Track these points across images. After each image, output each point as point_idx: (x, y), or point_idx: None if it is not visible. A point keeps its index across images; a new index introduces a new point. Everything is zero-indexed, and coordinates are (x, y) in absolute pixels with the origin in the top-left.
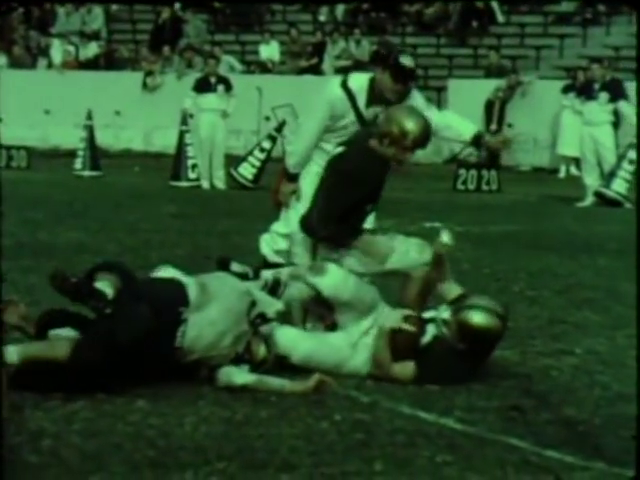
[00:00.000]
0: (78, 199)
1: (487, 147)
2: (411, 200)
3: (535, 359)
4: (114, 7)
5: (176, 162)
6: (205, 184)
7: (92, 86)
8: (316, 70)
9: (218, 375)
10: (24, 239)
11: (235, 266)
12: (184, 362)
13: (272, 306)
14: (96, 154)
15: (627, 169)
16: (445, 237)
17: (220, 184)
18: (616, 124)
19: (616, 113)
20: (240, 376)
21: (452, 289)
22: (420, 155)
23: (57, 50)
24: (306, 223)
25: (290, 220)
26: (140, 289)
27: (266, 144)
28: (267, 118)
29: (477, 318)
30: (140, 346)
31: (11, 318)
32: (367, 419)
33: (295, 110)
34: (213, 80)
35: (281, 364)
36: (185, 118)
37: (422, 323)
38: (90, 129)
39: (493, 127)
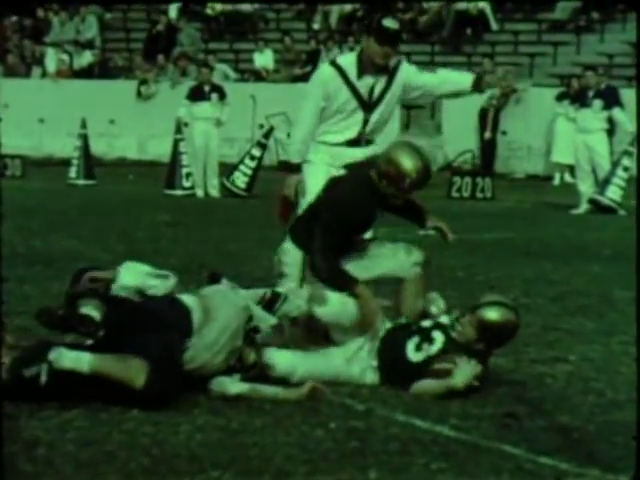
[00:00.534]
0: (72, 208)
1: (489, 86)
2: None
3: (529, 366)
4: (108, 16)
5: (170, 171)
6: (199, 192)
7: (86, 95)
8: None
9: (211, 386)
10: (18, 248)
11: (225, 282)
12: None
13: (267, 321)
14: (90, 163)
15: (621, 176)
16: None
17: (214, 192)
18: (610, 131)
19: (610, 120)
20: (233, 386)
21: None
22: None
23: (51, 59)
24: (295, 233)
25: None
26: (144, 316)
27: (256, 152)
28: (261, 126)
29: (495, 314)
30: None
31: None
32: (362, 427)
33: (289, 118)
34: (207, 88)
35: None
36: (179, 127)
37: (428, 332)
38: (84, 138)
39: (487, 135)
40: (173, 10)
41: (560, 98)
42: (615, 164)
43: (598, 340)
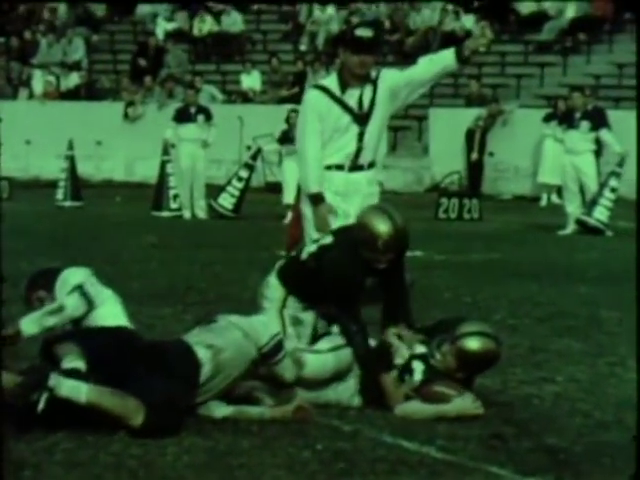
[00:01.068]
0: (59, 229)
1: (472, 50)
2: None
3: (516, 387)
4: (95, 37)
5: (157, 192)
6: (187, 214)
7: (73, 116)
8: (297, 100)
9: (197, 410)
10: (5, 269)
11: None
12: None
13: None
14: (77, 184)
15: (609, 197)
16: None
17: (202, 214)
18: (597, 152)
19: (597, 141)
20: (219, 409)
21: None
22: (401, 184)
23: (38, 80)
24: (283, 272)
25: None
26: (154, 357)
27: (243, 173)
28: (248, 147)
29: (475, 344)
30: None
31: None
32: (349, 448)
33: (275, 138)
34: (193, 110)
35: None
36: (166, 148)
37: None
38: (71, 159)
39: (474, 156)
40: (160, 31)
41: (547, 119)
42: (602, 185)
43: (585, 361)
